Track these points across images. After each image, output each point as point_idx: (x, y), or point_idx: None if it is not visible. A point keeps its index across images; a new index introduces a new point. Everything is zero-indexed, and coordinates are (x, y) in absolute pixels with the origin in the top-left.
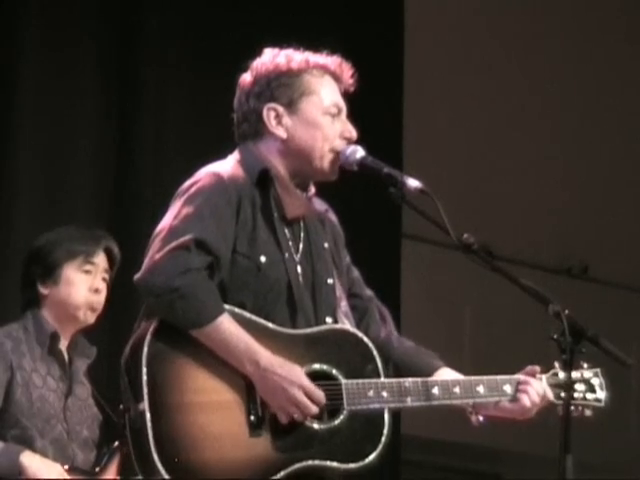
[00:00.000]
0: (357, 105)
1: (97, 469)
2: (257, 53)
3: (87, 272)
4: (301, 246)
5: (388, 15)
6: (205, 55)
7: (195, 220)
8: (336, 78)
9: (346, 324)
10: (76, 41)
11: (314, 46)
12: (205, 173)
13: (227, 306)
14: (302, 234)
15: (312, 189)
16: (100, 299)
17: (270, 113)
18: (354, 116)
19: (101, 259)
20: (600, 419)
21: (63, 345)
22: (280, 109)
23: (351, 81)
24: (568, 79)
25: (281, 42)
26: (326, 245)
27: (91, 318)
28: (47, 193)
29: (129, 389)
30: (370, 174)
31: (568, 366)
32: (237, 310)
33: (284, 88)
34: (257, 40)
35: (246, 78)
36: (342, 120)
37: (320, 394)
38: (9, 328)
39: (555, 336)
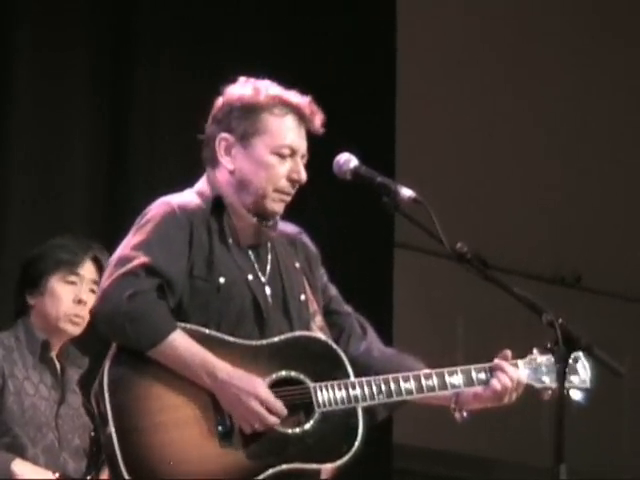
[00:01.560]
0: (350, 114)
1: (88, 478)
2: (253, 63)
3: (72, 283)
4: (269, 267)
5: (381, 19)
6: (198, 59)
7: (144, 247)
8: (301, 118)
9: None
10: (68, 46)
11: (308, 54)
12: (156, 203)
13: (182, 324)
14: (269, 256)
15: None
16: (85, 311)
17: (222, 142)
18: (347, 125)
19: (88, 269)
20: (593, 428)
21: (54, 354)
22: (231, 140)
23: (318, 123)
24: (562, 89)
25: (273, 48)
26: (297, 264)
27: (74, 330)
28: (39, 201)
29: (97, 417)
30: (363, 183)
31: (561, 375)
32: (194, 327)
33: (241, 120)
34: (250, 44)
35: (217, 102)
36: (295, 161)
37: (278, 404)
38: (1, 336)
39: (549, 345)
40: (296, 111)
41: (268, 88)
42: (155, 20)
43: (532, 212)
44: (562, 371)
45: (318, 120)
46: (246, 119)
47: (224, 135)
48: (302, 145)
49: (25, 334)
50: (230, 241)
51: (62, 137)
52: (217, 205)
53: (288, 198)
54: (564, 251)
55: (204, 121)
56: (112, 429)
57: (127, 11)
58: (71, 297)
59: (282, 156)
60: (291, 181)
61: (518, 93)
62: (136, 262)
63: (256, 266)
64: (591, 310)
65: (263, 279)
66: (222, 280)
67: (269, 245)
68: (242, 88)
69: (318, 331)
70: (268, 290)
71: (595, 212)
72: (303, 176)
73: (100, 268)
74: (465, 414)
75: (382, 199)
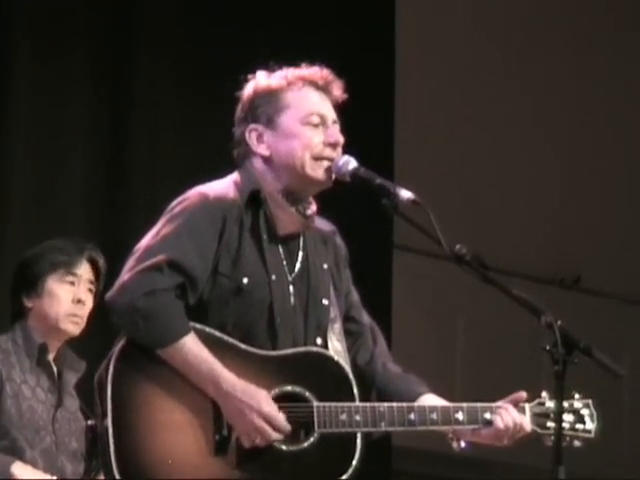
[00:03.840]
0: (348, 116)
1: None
2: (252, 64)
3: (70, 283)
4: (298, 265)
5: (380, 21)
6: (200, 67)
7: (172, 240)
8: (318, 88)
9: (336, 346)
10: (68, 47)
11: (307, 55)
12: (192, 192)
13: (198, 325)
14: (300, 252)
15: (313, 207)
16: (84, 311)
17: (252, 134)
18: (345, 127)
19: (84, 270)
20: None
21: (51, 357)
22: (260, 128)
23: (338, 89)
24: (563, 90)
25: (275, 53)
26: (325, 266)
27: (75, 329)
28: (39, 205)
29: (98, 406)
30: (362, 185)
31: (560, 377)
32: (207, 329)
33: (263, 107)
34: (252, 50)
35: (237, 107)
36: (327, 127)
37: (282, 421)
38: None
39: (547, 347)
40: (313, 83)
41: (282, 71)
42: (156, 19)
43: (531, 213)
44: (562, 372)
45: (337, 87)
46: (268, 103)
47: (252, 126)
48: (329, 111)
49: (22, 337)
50: (264, 236)
51: (62, 138)
52: (253, 199)
53: (330, 164)
54: (563, 252)
55: (205, 121)
56: (109, 423)
57: (127, 10)
58: (70, 297)
59: (313, 125)
60: (330, 145)
61: (518, 95)
62: (161, 256)
63: (285, 262)
64: (590, 311)
65: (289, 277)
66: (245, 280)
67: (301, 242)
68: (256, 80)
69: (334, 339)
70: (292, 289)
71: (594, 213)
72: (340, 138)
73: (96, 268)
74: (463, 444)
75: (381, 201)
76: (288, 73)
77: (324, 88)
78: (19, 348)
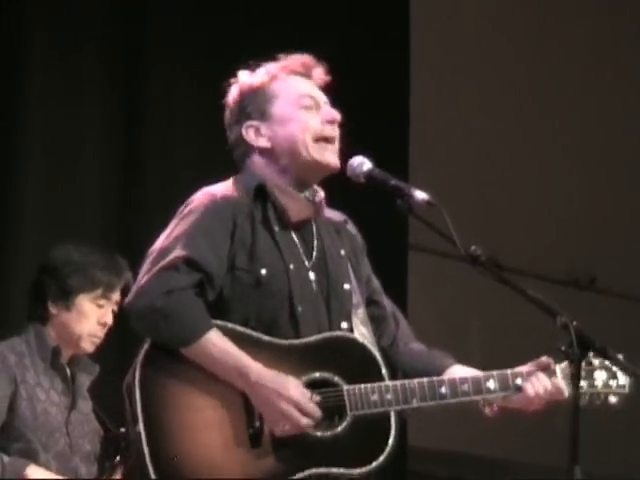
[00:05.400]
0: (363, 117)
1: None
2: (264, 60)
3: (101, 305)
4: (314, 252)
5: (394, 23)
6: (213, 67)
7: (185, 239)
8: (302, 75)
9: (362, 330)
10: (81, 48)
11: (319, 55)
12: (200, 194)
13: (219, 322)
14: (315, 241)
15: (321, 193)
16: (103, 332)
17: (249, 130)
18: (360, 128)
19: (117, 294)
20: (608, 430)
21: (64, 360)
22: (255, 123)
23: (320, 73)
24: (575, 90)
25: (288, 53)
26: (342, 252)
27: (91, 349)
28: (53, 204)
29: (129, 412)
30: (377, 186)
31: (575, 377)
32: (230, 325)
33: (253, 104)
34: (265, 49)
35: (225, 113)
36: (320, 108)
37: (312, 407)
38: (12, 342)
39: (563, 348)
40: (295, 71)
41: (263, 67)
42: (170, 19)
43: (546, 214)
44: (577, 373)
45: (319, 70)
46: (256, 99)
47: (247, 123)
48: (319, 93)
49: (36, 340)
50: (276, 228)
51: (76, 140)
52: (260, 193)
53: (334, 145)
54: (578, 253)
55: (218, 121)
56: (141, 427)
57: (141, 10)
58: (97, 318)
59: (306, 106)
60: (328, 123)
61: (532, 96)
62: (176, 255)
63: (301, 250)
64: (606, 312)
65: (307, 264)
66: (263, 271)
67: (315, 230)
68: (239, 82)
69: (359, 323)
70: (312, 276)
71: (609, 213)
72: (336, 114)
73: (125, 290)
74: (495, 408)
75: (396, 202)
76: (269, 67)
77: (307, 74)
78: (33, 350)
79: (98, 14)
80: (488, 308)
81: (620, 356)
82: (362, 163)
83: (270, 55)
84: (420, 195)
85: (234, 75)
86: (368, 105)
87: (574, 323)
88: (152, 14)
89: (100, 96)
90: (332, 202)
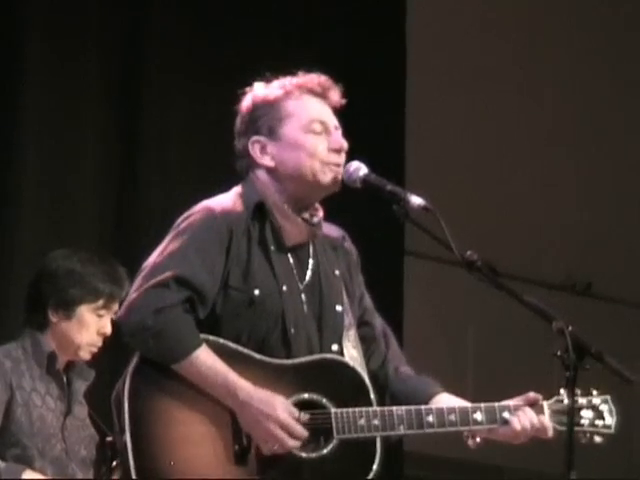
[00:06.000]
0: (359, 122)
1: None
2: (265, 62)
3: (101, 315)
4: (309, 273)
5: (390, 26)
6: (210, 74)
7: (178, 256)
8: (317, 95)
9: (352, 353)
10: (79, 52)
11: (317, 54)
12: (198, 207)
13: (210, 337)
14: (310, 260)
15: (320, 213)
16: (101, 341)
17: (255, 146)
18: (356, 133)
19: (117, 305)
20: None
21: (60, 365)
22: (263, 139)
23: (336, 94)
24: (575, 95)
25: (286, 51)
26: (337, 272)
27: (88, 357)
28: (50, 204)
29: (116, 422)
30: (373, 191)
31: (571, 382)
32: (221, 341)
33: (263, 119)
34: (262, 53)
35: (236, 120)
36: (330, 133)
37: (299, 428)
38: (8, 348)
39: (559, 353)
40: (311, 90)
41: (280, 81)
42: (166, 26)
43: (542, 219)
44: (572, 379)
45: (335, 93)
46: (268, 114)
47: (255, 138)
48: (330, 117)
49: (32, 345)
50: (272, 247)
51: (73, 142)
52: (259, 210)
53: (339, 169)
54: (575, 258)
55: (215, 128)
56: (128, 439)
57: (138, 17)
58: (96, 328)
59: (315, 132)
60: (335, 151)
61: (530, 101)
62: (168, 273)
63: (295, 272)
64: (602, 317)
65: (300, 286)
66: (257, 292)
67: (311, 250)
68: (254, 92)
69: (350, 345)
70: (304, 297)
71: (606, 219)
72: (344, 143)
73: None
74: (478, 440)
75: (392, 207)
76: (285, 82)
77: (322, 94)
78: (29, 356)
79: (95, 14)
80: (484, 314)
81: (615, 361)
82: (358, 168)
83: (270, 53)
84: (416, 200)
85: (235, 87)
86: (364, 110)
87: (570, 328)
88: (151, 13)
89: (98, 110)
90: (328, 208)
